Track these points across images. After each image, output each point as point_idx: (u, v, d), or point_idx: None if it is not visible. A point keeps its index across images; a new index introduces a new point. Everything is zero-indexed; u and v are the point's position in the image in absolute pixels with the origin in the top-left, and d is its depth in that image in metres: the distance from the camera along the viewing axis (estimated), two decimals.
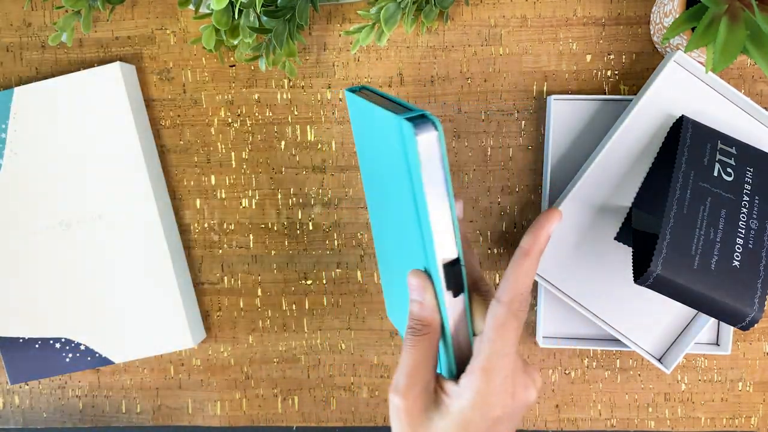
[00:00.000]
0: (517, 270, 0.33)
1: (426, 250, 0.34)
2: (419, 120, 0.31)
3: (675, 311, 0.50)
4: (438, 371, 0.36)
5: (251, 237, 0.54)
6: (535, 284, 0.53)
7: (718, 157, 0.45)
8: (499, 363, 0.33)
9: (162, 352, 0.53)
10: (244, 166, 0.54)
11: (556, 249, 0.50)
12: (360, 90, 0.41)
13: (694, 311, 0.50)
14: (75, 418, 0.57)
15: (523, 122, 0.52)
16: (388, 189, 0.39)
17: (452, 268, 0.33)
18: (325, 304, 0.55)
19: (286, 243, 0.54)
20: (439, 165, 0.31)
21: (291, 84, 0.53)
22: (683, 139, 0.45)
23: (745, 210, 0.44)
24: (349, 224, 0.54)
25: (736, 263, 0.42)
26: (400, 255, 0.39)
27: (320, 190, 0.54)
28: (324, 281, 0.54)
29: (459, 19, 0.52)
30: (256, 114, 0.53)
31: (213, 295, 0.55)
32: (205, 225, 0.54)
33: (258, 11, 0.43)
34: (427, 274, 0.35)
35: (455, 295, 0.34)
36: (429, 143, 0.31)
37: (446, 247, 0.33)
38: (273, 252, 0.54)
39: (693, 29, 0.44)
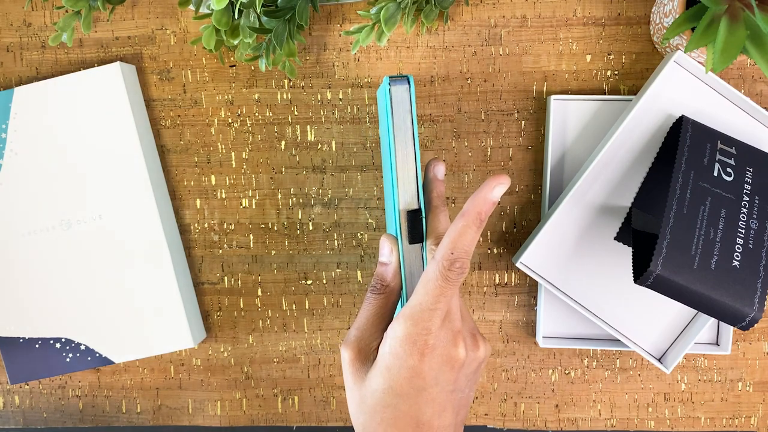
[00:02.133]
0: (452, 230, 0.34)
1: (393, 197, 0.38)
2: (397, 77, 0.38)
3: (675, 311, 0.50)
4: None
5: (251, 237, 0.54)
6: (535, 284, 0.54)
7: (718, 157, 0.45)
8: (421, 315, 0.33)
9: (162, 352, 0.53)
10: (244, 166, 0.54)
11: (556, 249, 0.50)
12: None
13: (694, 311, 0.50)
14: (75, 418, 0.57)
15: (523, 122, 0.52)
16: (384, 156, 0.43)
17: (412, 215, 0.37)
18: (325, 304, 0.55)
19: (286, 243, 0.54)
20: (407, 114, 0.38)
21: (291, 84, 0.53)
22: (683, 139, 0.45)
23: (745, 210, 0.44)
24: (349, 224, 0.54)
25: (736, 263, 0.42)
26: (390, 220, 0.43)
27: (320, 190, 0.54)
28: (324, 281, 0.54)
29: (459, 20, 0.52)
30: (256, 114, 0.53)
31: (213, 295, 0.55)
32: (205, 225, 0.54)
33: (258, 11, 0.43)
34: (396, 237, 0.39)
35: (411, 242, 0.37)
36: (400, 94, 0.38)
37: (409, 194, 0.38)
38: (273, 252, 0.54)
39: (693, 29, 0.44)
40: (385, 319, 0.36)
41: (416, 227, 0.37)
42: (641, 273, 0.43)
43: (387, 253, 0.38)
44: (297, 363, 0.55)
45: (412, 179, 0.38)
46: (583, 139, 0.51)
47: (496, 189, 0.34)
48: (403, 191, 0.38)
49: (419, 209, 0.38)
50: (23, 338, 0.52)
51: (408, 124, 0.38)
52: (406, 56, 0.52)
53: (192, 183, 0.54)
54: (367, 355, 0.35)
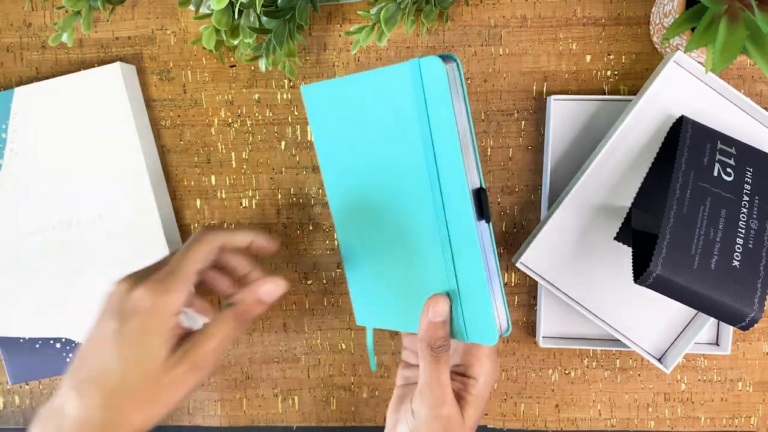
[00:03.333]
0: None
1: (454, 182, 0.37)
2: (440, 55, 0.35)
3: (675, 311, 0.50)
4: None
5: None
6: (535, 284, 0.54)
7: (718, 157, 0.45)
8: (431, 391, 0.39)
9: None
10: (244, 166, 0.54)
11: (556, 249, 0.50)
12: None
13: (694, 311, 0.50)
14: None
15: (523, 122, 0.52)
16: (388, 157, 0.40)
17: (480, 193, 0.37)
18: (325, 304, 0.55)
19: (286, 243, 0.54)
20: (462, 93, 0.36)
21: (291, 84, 0.53)
22: (683, 139, 0.45)
23: (744, 210, 0.44)
24: None
25: (736, 263, 0.42)
26: (411, 232, 0.41)
27: (320, 190, 0.54)
28: (324, 281, 0.54)
29: (459, 20, 0.52)
30: (256, 114, 0.53)
31: (213, 295, 0.55)
32: (205, 225, 0.54)
33: (258, 11, 0.43)
34: (449, 294, 0.40)
35: (481, 219, 0.37)
36: (454, 72, 0.35)
37: (474, 174, 0.37)
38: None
39: (693, 29, 0.44)
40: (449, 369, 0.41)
41: (485, 203, 0.37)
42: (641, 273, 0.43)
43: (445, 313, 0.40)
44: (297, 363, 0.55)
45: (475, 160, 0.37)
46: (583, 139, 0.51)
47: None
48: (469, 173, 0.37)
49: (483, 187, 0.37)
50: (23, 338, 0.52)
51: (464, 107, 0.36)
52: (406, 56, 0.52)
53: (192, 183, 0.54)
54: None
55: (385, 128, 0.40)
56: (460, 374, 0.43)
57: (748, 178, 0.45)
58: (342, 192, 0.45)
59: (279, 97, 0.53)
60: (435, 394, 0.39)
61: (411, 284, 0.42)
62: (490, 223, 0.38)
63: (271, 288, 0.40)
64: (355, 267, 0.46)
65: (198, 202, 0.54)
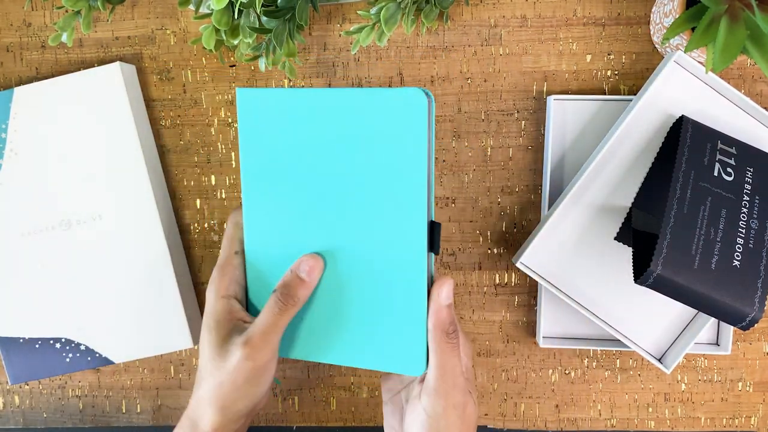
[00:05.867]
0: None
1: (415, 213, 0.37)
2: (423, 90, 0.36)
3: (675, 311, 0.50)
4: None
5: None
6: (535, 284, 0.53)
7: (718, 157, 0.45)
8: (452, 382, 0.39)
9: (162, 352, 0.52)
10: None
11: (556, 249, 0.50)
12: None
13: (694, 311, 0.50)
14: (75, 418, 0.57)
15: (523, 122, 0.52)
16: (343, 179, 0.39)
17: (437, 226, 0.38)
18: None
19: None
20: (431, 130, 0.37)
21: (291, 84, 0.53)
22: (683, 139, 0.45)
23: (745, 210, 0.44)
24: None
25: (737, 263, 0.42)
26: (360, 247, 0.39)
27: None
28: None
29: (459, 19, 0.52)
30: None
31: None
32: (205, 225, 0.54)
33: (258, 11, 0.43)
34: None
35: (436, 252, 0.38)
36: (432, 110, 0.36)
37: (432, 209, 0.38)
38: None
39: (693, 29, 0.44)
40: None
41: (437, 237, 0.38)
42: (641, 273, 0.43)
43: (452, 295, 0.38)
44: (297, 363, 0.55)
45: (432, 192, 0.37)
46: (583, 139, 0.51)
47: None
48: (430, 207, 0.37)
49: (435, 221, 0.38)
50: (23, 338, 0.52)
51: (432, 143, 0.37)
52: (406, 56, 0.52)
53: (192, 183, 0.54)
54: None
55: (347, 151, 0.38)
56: None
57: (749, 177, 0.45)
58: (271, 207, 0.42)
59: None
60: (449, 384, 0.38)
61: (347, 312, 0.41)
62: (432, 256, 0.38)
63: (309, 263, 0.39)
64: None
65: (198, 202, 0.54)
